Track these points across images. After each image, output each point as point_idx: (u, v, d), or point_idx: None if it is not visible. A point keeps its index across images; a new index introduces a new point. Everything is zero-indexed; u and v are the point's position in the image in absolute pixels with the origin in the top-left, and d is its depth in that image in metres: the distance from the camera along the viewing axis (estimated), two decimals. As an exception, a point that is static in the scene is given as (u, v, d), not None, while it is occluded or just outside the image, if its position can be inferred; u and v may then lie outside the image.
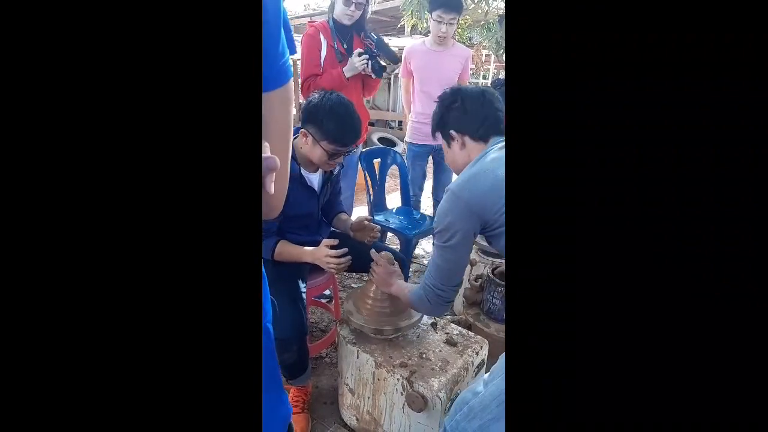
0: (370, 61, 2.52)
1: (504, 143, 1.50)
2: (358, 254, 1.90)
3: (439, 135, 1.63)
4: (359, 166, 2.99)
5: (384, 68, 2.61)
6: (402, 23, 6.63)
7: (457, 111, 1.54)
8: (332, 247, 1.76)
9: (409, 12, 6.08)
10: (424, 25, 6.21)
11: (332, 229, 2.22)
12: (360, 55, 2.48)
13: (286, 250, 1.82)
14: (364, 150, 3.03)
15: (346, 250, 1.77)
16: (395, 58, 2.68)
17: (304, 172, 1.85)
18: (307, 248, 1.81)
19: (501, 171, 1.35)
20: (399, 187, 3.37)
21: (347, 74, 2.51)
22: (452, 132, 1.54)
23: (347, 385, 1.80)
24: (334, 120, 1.68)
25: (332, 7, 2.57)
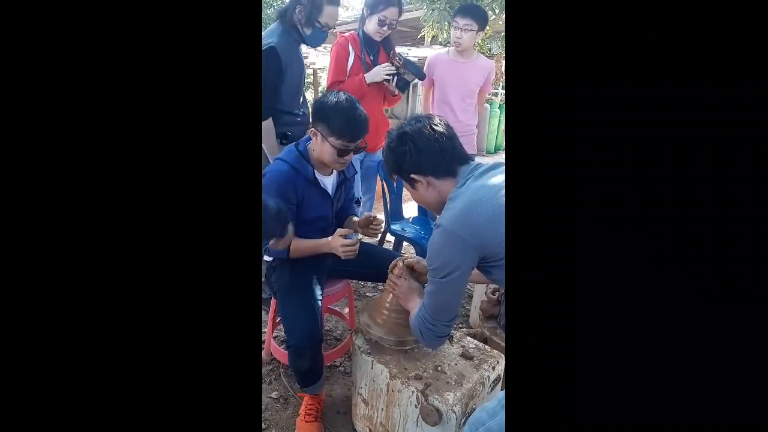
0: (395, 77, 2.64)
1: (482, 167, 1.42)
2: (376, 264, 1.91)
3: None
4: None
5: (407, 83, 2.71)
6: (422, 34, 6.68)
7: (411, 155, 1.41)
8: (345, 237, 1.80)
9: (430, 23, 6.12)
10: (444, 35, 6.23)
11: None
12: (386, 67, 2.56)
13: (302, 246, 1.85)
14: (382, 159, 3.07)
15: (357, 239, 1.79)
16: (422, 74, 2.76)
17: (318, 174, 1.88)
18: (322, 240, 1.83)
19: (498, 198, 1.29)
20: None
21: (368, 80, 2.60)
22: (413, 176, 1.43)
23: (361, 395, 1.79)
24: (340, 115, 1.73)
25: (363, 20, 2.68)
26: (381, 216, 2.08)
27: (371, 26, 2.61)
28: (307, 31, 2.39)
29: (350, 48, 2.66)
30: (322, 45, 2.82)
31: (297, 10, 2.32)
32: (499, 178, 1.37)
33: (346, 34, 2.75)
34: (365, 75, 2.61)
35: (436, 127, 1.43)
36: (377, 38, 2.66)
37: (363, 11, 2.67)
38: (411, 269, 1.69)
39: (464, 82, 3.12)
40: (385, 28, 2.60)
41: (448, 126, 1.47)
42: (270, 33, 2.36)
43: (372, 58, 2.71)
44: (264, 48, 2.23)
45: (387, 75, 2.59)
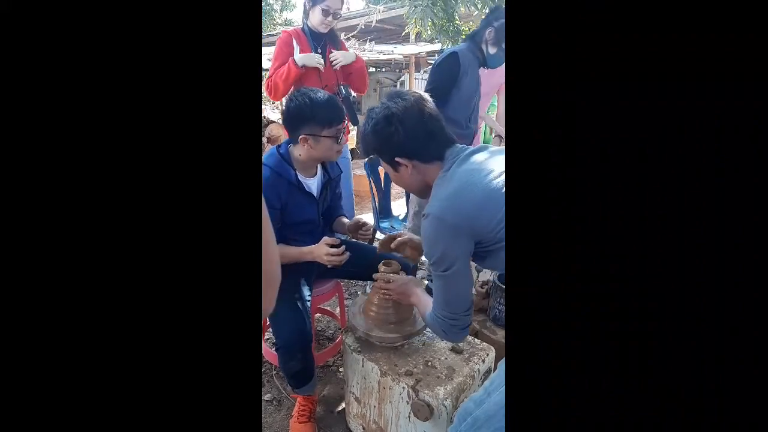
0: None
1: (466, 150, 1.37)
2: (365, 263, 1.90)
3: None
4: (364, 172, 3.00)
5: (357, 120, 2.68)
6: (407, 31, 6.67)
7: (397, 136, 1.31)
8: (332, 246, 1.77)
9: (413, 20, 6.12)
10: (428, 32, 6.22)
11: (335, 233, 2.22)
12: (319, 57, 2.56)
13: (286, 252, 1.82)
14: (368, 158, 3.04)
15: (344, 247, 1.78)
16: (355, 120, 2.75)
17: (301, 177, 1.85)
18: (306, 247, 1.81)
19: (488, 181, 1.24)
20: (404, 194, 3.37)
21: (299, 62, 2.51)
22: (398, 159, 1.34)
23: (353, 393, 1.79)
24: (321, 106, 1.70)
25: (306, 13, 2.61)
26: (369, 218, 2.08)
27: (315, 18, 2.55)
28: (492, 51, 2.51)
29: (294, 43, 2.58)
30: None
31: (488, 31, 2.48)
32: (485, 162, 1.32)
33: (290, 29, 2.68)
34: (296, 57, 2.53)
35: (424, 108, 1.34)
36: (323, 30, 2.58)
37: (305, 4, 2.59)
38: (404, 246, 1.68)
39: (490, 86, 3.16)
40: (330, 18, 2.54)
41: (435, 106, 1.39)
42: (456, 47, 2.55)
43: (320, 51, 2.62)
44: (448, 54, 2.45)
45: (319, 63, 2.55)
